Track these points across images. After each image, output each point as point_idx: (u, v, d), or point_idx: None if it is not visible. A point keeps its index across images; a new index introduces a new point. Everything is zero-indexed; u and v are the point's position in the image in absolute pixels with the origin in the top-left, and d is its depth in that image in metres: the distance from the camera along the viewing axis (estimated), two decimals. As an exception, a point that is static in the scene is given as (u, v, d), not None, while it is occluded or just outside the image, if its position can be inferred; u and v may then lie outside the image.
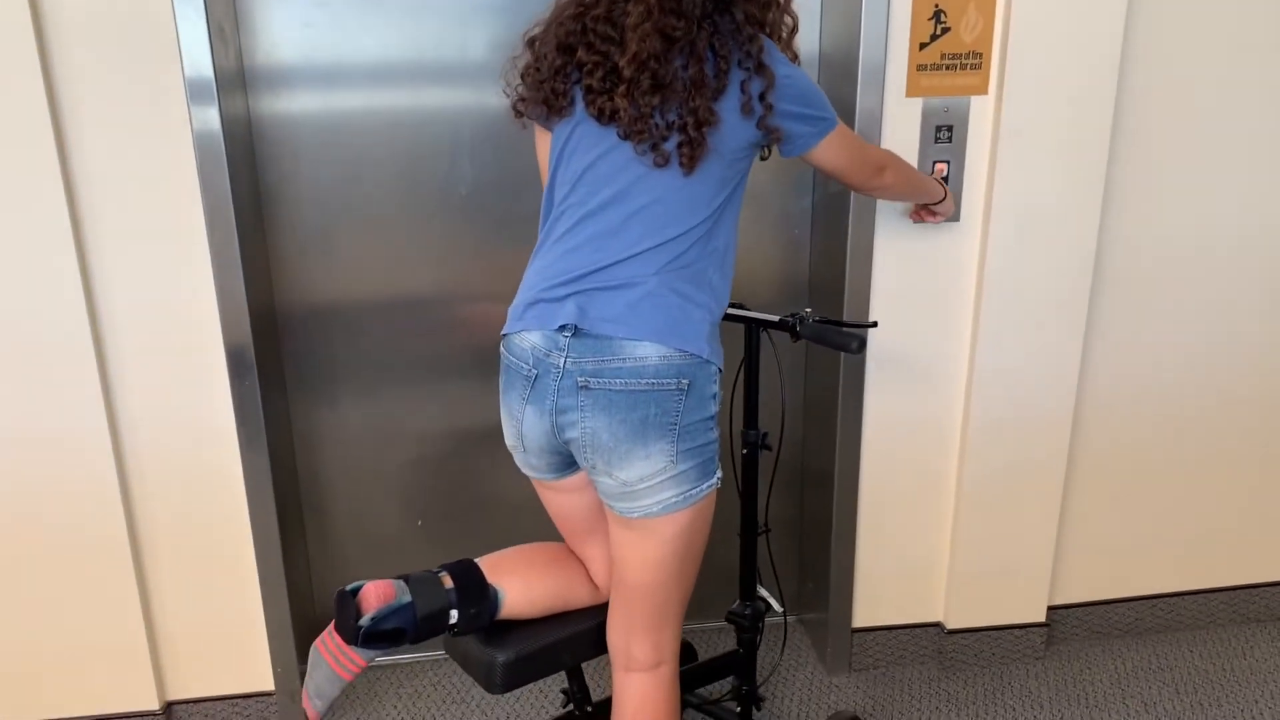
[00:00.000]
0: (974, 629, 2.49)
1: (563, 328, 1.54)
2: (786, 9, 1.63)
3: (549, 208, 1.65)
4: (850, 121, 2.08)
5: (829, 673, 2.51)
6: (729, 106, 1.50)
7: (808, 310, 1.89)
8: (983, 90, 2.09)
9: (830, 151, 1.64)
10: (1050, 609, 2.55)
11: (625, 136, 1.51)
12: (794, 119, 1.56)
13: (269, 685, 2.31)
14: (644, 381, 1.52)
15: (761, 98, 1.51)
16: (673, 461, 1.55)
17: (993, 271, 2.18)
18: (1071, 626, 2.61)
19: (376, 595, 1.57)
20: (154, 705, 2.25)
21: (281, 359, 2.27)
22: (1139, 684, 2.48)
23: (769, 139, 1.56)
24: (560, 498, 1.76)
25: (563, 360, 1.54)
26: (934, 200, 1.99)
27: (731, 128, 1.51)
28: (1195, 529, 2.59)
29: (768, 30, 1.59)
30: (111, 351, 2.04)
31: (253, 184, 2.13)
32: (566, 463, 1.67)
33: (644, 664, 1.69)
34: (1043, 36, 2.03)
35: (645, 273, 1.53)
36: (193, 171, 1.95)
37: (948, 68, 2.07)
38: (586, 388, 1.53)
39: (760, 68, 1.50)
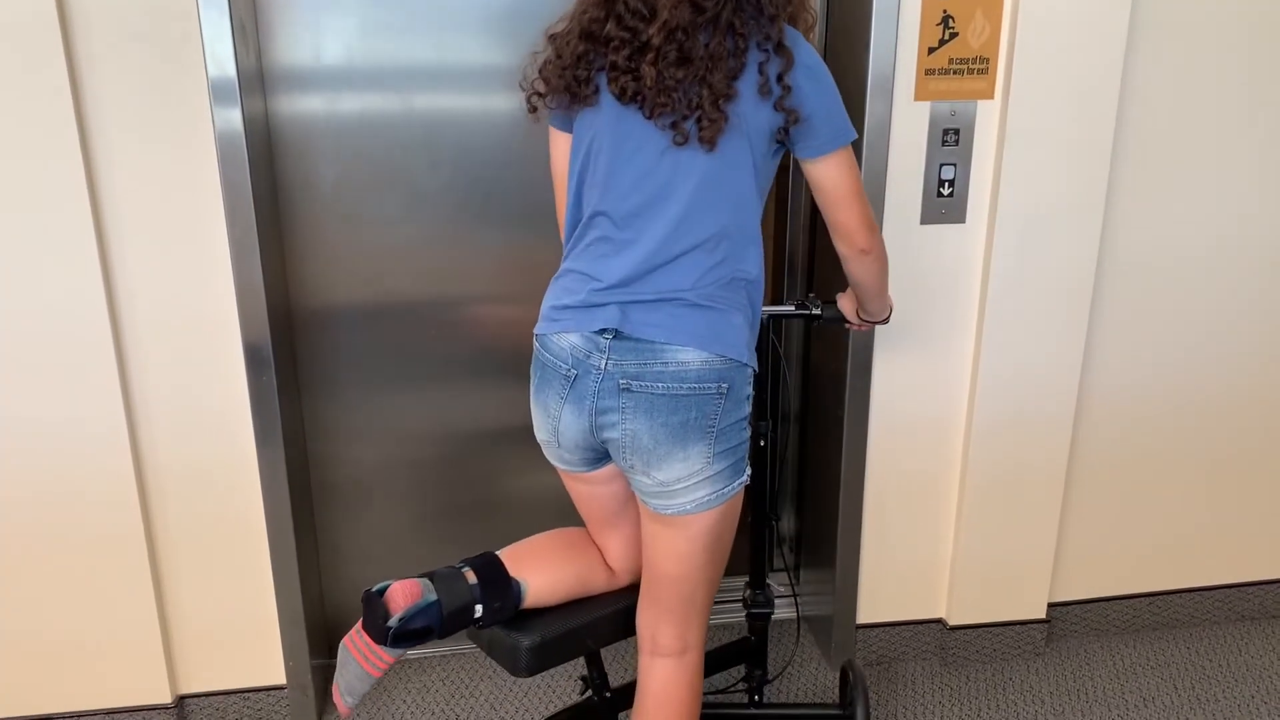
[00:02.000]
0: (976, 625, 2.53)
1: (603, 330, 1.56)
2: (805, 5, 1.62)
3: (578, 210, 1.65)
4: (860, 125, 2.11)
5: (833, 668, 2.54)
6: (747, 84, 1.51)
7: (811, 295, 1.96)
8: (989, 95, 2.14)
9: (840, 169, 1.59)
10: (1050, 606, 2.59)
11: (650, 113, 1.51)
12: (814, 109, 1.54)
13: (280, 679, 2.33)
14: (686, 386, 1.55)
15: (779, 79, 1.50)
16: (709, 462, 1.58)
17: (998, 273, 2.22)
18: (1071, 623, 2.65)
19: (403, 595, 1.61)
20: (166, 698, 2.26)
21: (296, 356, 2.29)
22: (1137, 680, 2.52)
23: (788, 121, 1.53)
24: (588, 489, 1.79)
25: (604, 362, 1.56)
26: (879, 315, 1.91)
27: (752, 107, 1.51)
28: (1191, 528, 2.63)
29: (791, 20, 1.58)
30: (130, 346, 2.06)
31: (271, 183, 2.15)
32: (599, 457, 1.70)
33: (670, 650, 1.74)
34: (1048, 42, 2.08)
35: (684, 285, 1.55)
36: (213, 170, 1.97)
37: (955, 72, 2.11)
38: (628, 390, 1.56)
39: (780, 48, 1.50)
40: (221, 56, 1.90)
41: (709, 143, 1.50)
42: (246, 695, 2.33)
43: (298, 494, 2.26)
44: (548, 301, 1.67)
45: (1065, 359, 2.33)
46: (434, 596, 1.63)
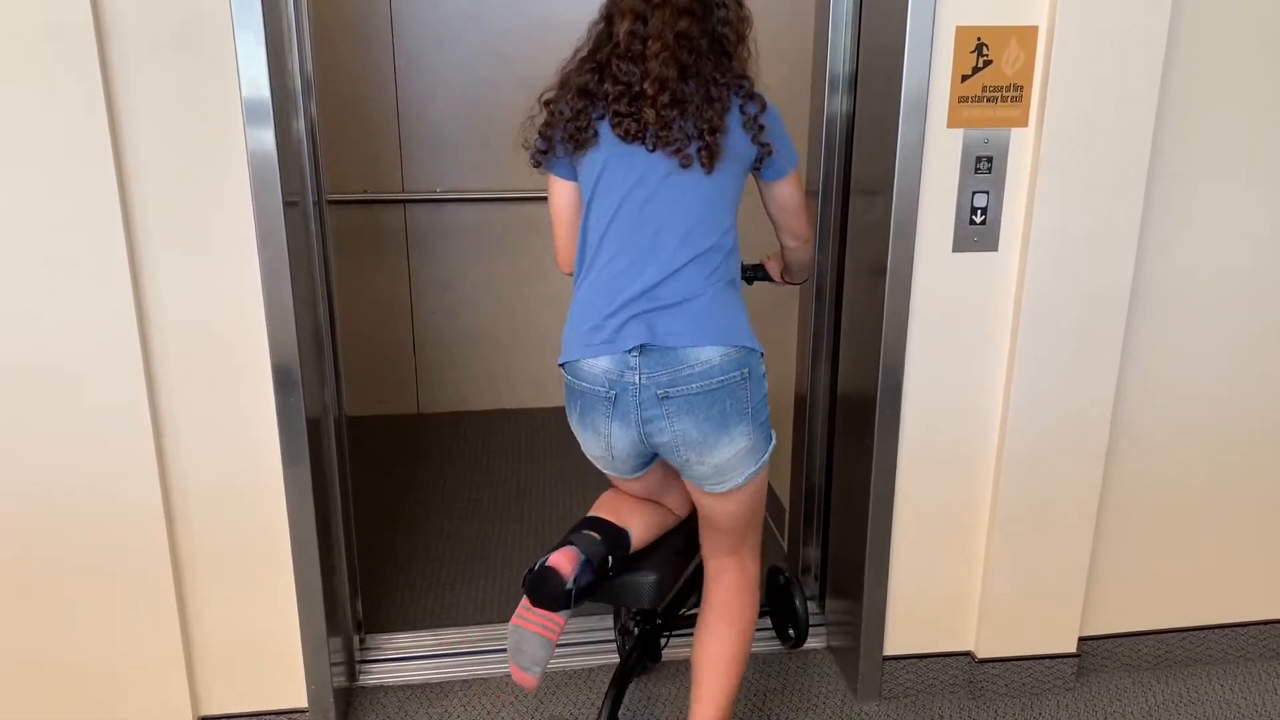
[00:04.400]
0: (1004, 659, 2.49)
1: (630, 350, 1.78)
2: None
3: (585, 239, 1.88)
4: (892, 150, 2.11)
5: (859, 700, 2.51)
6: (733, 120, 1.82)
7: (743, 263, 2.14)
8: (1023, 123, 2.12)
9: (794, 186, 1.98)
10: (1081, 639, 2.54)
11: (653, 146, 1.79)
12: (778, 144, 1.88)
13: (302, 702, 2.31)
14: (714, 380, 1.80)
15: (754, 119, 1.83)
16: (750, 438, 1.85)
17: (1030, 302, 2.20)
18: (1102, 658, 2.61)
19: (567, 561, 1.85)
20: (187, 719, 2.25)
21: (337, 377, 2.28)
22: (1169, 717, 2.47)
23: (761, 154, 1.86)
24: (635, 484, 2.04)
25: (637, 378, 1.79)
26: (801, 279, 2.28)
27: (737, 139, 1.83)
28: (1226, 561, 2.59)
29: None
30: (159, 365, 2.06)
31: (303, 203, 2.15)
32: (648, 460, 1.96)
33: (730, 566, 2.05)
34: (1083, 69, 2.06)
35: (695, 285, 1.81)
36: (245, 189, 1.98)
37: (989, 100, 2.10)
38: (667, 397, 1.80)
39: (752, 95, 1.84)
40: (255, 77, 1.91)
41: (708, 167, 1.80)
42: (268, 718, 2.32)
43: (323, 516, 2.25)
44: (571, 328, 1.87)
45: (1098, 388, 2.30)
46: (584, 555, 1.88)
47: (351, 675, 2.51)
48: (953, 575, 2.44)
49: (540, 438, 3.84)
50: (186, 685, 2.23)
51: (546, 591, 1.84)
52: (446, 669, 2.57)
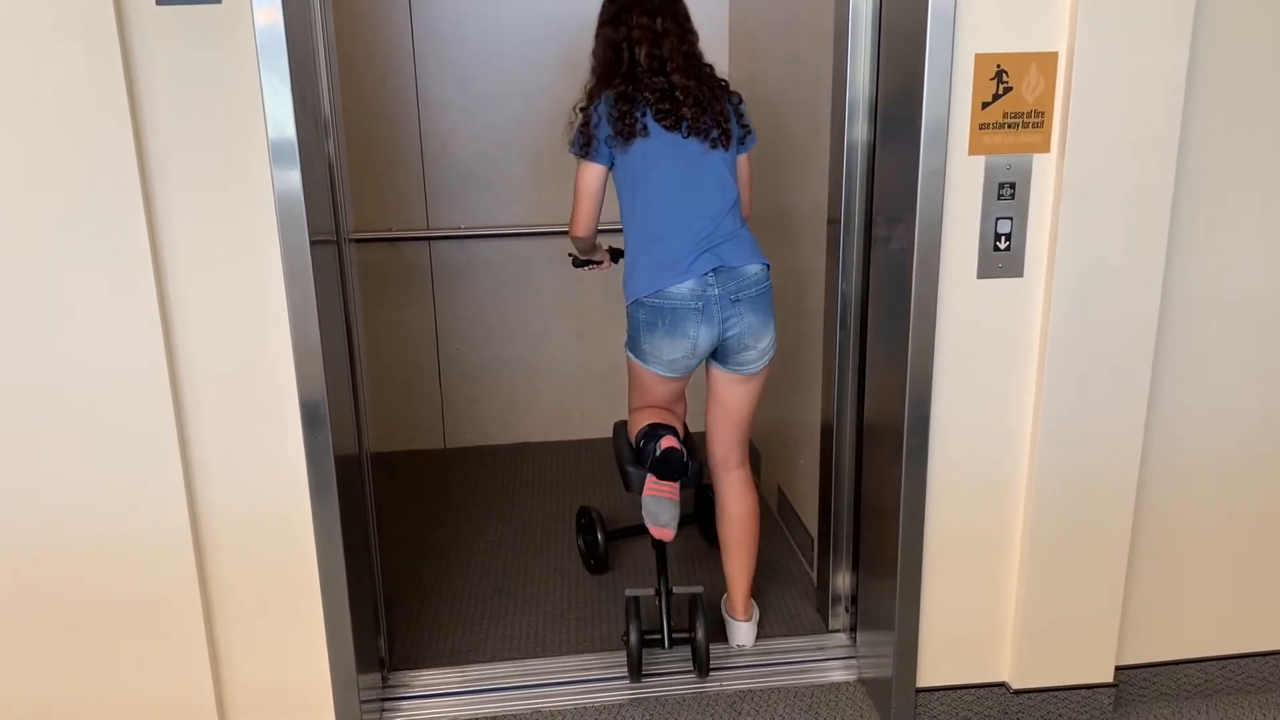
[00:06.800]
0: (1040, 689, 2.45)
1: (707, 272, 2.43)
2: None
3: (647, 202, 2.47)
4: (914, 178, 2.11)
5: (893, 733, 2.48)
6: (730, 110, 2.52)
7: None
8: (1045, 149, 2.12)
9: (751, 161, 2.63)
10: (1118, 669, 2.50)
11: (687, 134, 2.45)
12: (750, 125, 2.59)
13: (332, 740, 2.31)
14: (761, 286, 2.50)
15: (737, 107, 2.56)
16: (774, 329, 2.54)
17: (1057, 327, 2.18)
18: (1140, 687, 2.56)
19: (676, 442, 2.47)
20: (217, 760, 2.25)
21: (356, 412, 2.30)
22: (1212, 748, 2.42)
23: (745, 133, 2.57)
24: (674, 386, 2.63)
25: (716, 291, 2.44)
26: None
27: (734, 124, 2.53)
28: (1267, 586, 2.54)
29: None
30: (188, 405, 2.08)
31: (330, 241, 2.18)
32: (700, 360, 2.56)
33: (737, 464, 2.69)
34: (1105, 94, 2.06)
35: (735, 225, 2.50)
36: (272, 229, 2.00)
37: (1010, 126, 2.10)
38: (737, 300, 2.46)
39: (731, 91, 2.56)
40: (280, 119, 1.94)
41: (726, 146, 2.50)
42: (297, 756, 2.32)
43: (352, 553, 2.25)
44: (648, 268, 2.46)
45: (1127, 412, 2.28)
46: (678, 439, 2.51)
47: (380, 713, 2.51)
48: (985, 604, 2.41)
49: (565, 471, 3.86)
50: (217, 725, 2.24)
51: (673, 465, 2.45)
52: (474, 705, 2.55)
